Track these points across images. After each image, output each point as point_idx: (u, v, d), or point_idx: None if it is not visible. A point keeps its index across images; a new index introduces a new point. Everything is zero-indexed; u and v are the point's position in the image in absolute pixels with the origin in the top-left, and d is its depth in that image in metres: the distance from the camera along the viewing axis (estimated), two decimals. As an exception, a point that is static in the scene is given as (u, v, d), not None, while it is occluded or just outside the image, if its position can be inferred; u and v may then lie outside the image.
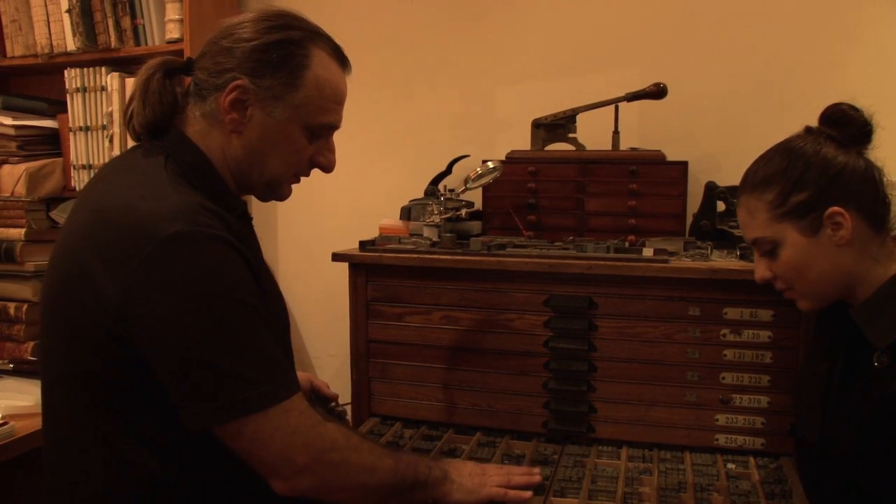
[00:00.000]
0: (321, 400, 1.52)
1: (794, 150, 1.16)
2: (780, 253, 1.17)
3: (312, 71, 1.13)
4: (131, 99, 1.14)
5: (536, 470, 1.31)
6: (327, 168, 1.22)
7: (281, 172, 1.18)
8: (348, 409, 1.59)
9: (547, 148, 1.82)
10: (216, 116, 1.12)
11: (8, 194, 2.19)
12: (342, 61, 1.19)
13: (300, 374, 1.50)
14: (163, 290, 0.96)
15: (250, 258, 1.06)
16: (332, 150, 1.22)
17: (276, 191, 1.21)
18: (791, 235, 1.15)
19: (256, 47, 1.10)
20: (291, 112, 1.12)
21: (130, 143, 2.08)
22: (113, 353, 1.00)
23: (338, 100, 1.18)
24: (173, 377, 0.99)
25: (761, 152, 1.23)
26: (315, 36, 1.15)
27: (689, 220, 1.71)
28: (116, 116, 2.13)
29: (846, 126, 1.15)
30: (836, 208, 1.12)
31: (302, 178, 1.23)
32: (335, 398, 1.53)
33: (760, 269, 1.22)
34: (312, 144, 1.18)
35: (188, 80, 1.16)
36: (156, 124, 1.12)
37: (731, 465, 1.41)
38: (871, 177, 1.14)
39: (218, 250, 1.00)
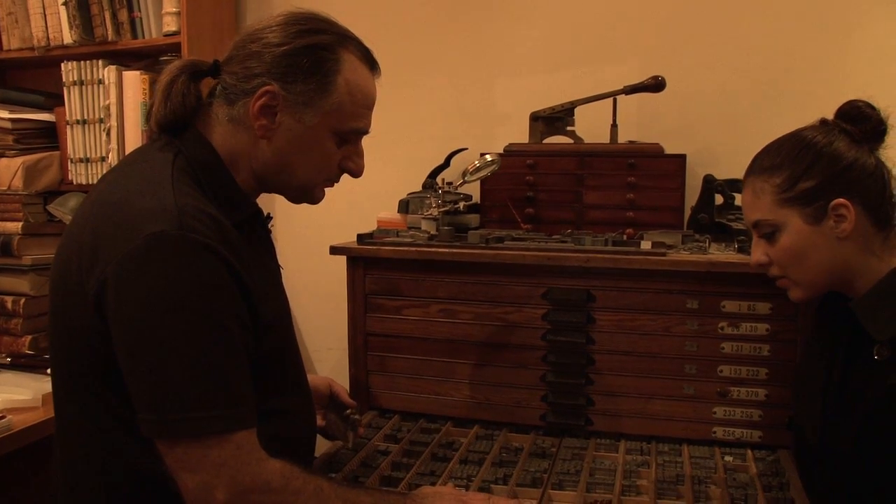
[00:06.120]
0: (337, 406, 1.48)
1: (808, 139, 1.17)
2: (779, 238, 1.17)
3: (343, 76, 1.11)
4: (153, 97, 1.12)
5: (525, 502, 1.22)
6: (356, 173, 1.20)
7: (311, 177, 1.16)
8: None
9: (545, 141, 1.82)
10: (244, 121, 1.10)
11: (5, 188, 2.18)
12: (372, 65, 1.17)
13: (320, 378, 1.48)
14: (134, 288, 0.94)
15: (240, 270, 1.01)
16: (360, 155, 1.20)
17: (309, 195, 1.19)
18: (794, 221, 1.15)
19: (286, 52, 1.08)
20: (321, 118, 1.11)
21: (128, 137, 2.13)
22: (95, 346, 0.99)
23: (368, 104, 1.16)
24: (129, 378, 0.96)
25: (759, 146, 1.24)
26: (345, 40, 1.13)
27: (688, 213, 1.71)
28: (113, 110, 2.12)
29: (861, 122, 1.16)
30: (841, 200, 1.12)
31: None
32: (353, 406, 1.48)
33: (757, 254, 1.22)
34: (341, 149, 1.16)
35: (212, 81, 1.14)
36: (175, 123, 1.11)
37: (728, 458, 1.41)
38: (881, 174, 1.15)
39: (200, 258, 0.96)
